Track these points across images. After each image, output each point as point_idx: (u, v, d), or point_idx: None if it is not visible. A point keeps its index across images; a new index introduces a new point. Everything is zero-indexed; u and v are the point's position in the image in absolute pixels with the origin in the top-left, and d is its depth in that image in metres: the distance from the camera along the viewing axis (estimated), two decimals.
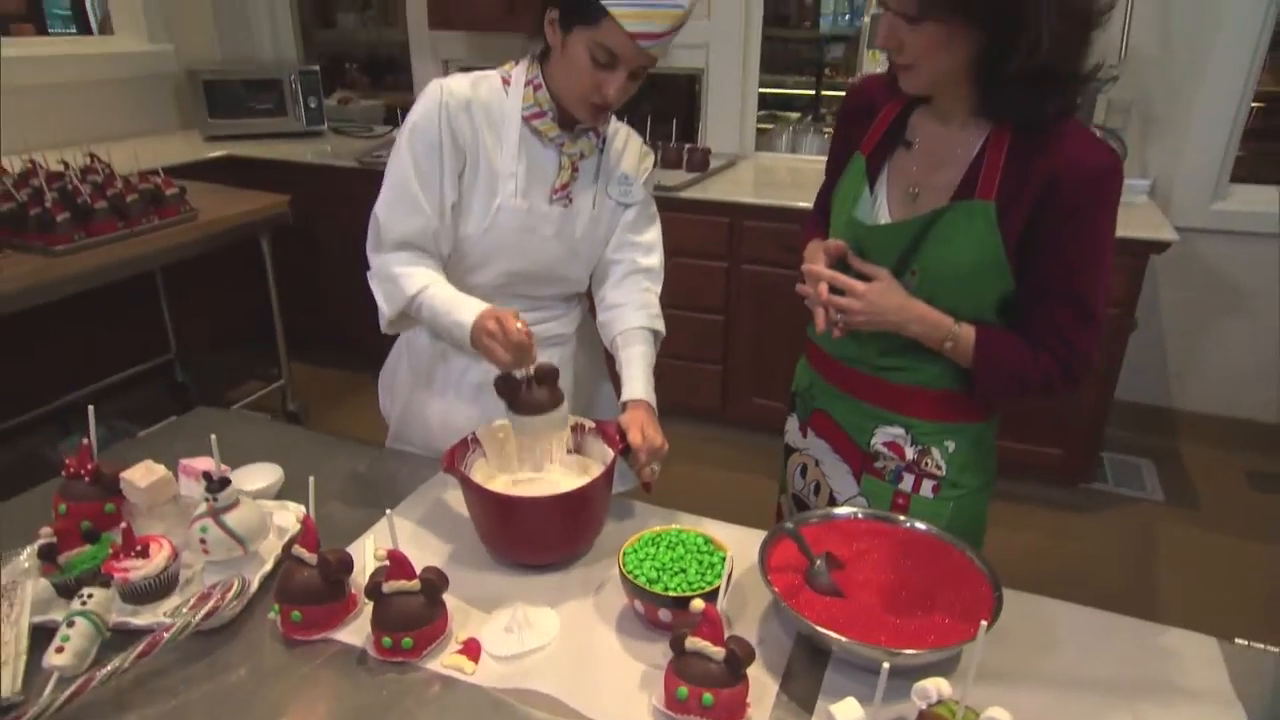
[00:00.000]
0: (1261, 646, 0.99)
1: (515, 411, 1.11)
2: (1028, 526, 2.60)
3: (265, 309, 2.92)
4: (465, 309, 1.17)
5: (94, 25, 3.91)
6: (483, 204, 1.27)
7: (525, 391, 1.10)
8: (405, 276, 1.24)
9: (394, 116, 3.88)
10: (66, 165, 2.43)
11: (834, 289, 1.10)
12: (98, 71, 3.39)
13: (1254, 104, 2.77)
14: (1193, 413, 3.05)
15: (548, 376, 1.11)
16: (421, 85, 3.65)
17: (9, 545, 1.07)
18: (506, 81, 1.28)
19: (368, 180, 3.16)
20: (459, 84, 1.25)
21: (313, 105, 3.61)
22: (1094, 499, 2.75)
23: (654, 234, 1.42)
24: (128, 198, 2.25)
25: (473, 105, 1.25)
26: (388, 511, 0.93)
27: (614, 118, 1.35)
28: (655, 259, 1.41)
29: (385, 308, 1.27)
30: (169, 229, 2.33)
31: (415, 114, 1.25)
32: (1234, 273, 2.84)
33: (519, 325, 1.09)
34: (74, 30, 3.93)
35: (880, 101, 1.17)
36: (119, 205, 2.23)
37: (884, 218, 1.15)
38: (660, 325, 1.37)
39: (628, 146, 1.38)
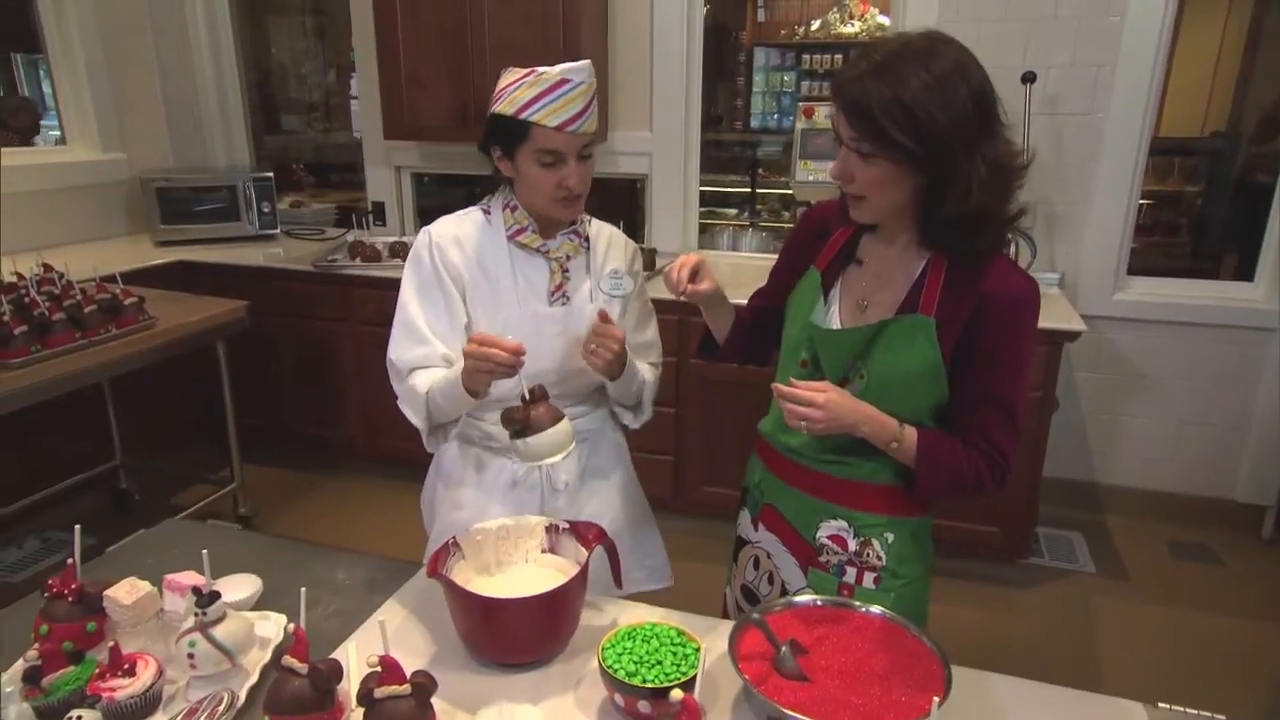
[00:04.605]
0: (1182, 709, 1.09)
1: (523, 436, 1.22)
2: (971, 603, 2.71)
3: (213, 412, 2.91)
4: (458, 368, 1.30)
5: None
6: (490, 318, 1.42)
7: (527, 415, 1.22)
8: (419, 383, 1.38)
9: (346, 219, 3.98)
10: (21, 277, 2.45)
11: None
12: (50, 181, 3.42)
13: (1143, 201, 3.09)
14: (1115, 486, 3.25)
15: (541, 396, 1.24)
16: (376, 190, 3.81)
17: None
18: (487, 212, 1.45)
19: (322, 283, 3.26)
20: (445, 225, 1.43)
21: (266, 210, 3.69)
22: (1031, 573, 2.88)
23: (653, 330, 1.60)
24: (86, 309, 2.27)
25: (460, 239, 1.41)
26: (381, 620, 0.98)
27: (594, 220, 1.52)
28: (656, 354, 1.60)
29: (416, 419, 1.40)
30: (127, 338, 2.35)
31: (410, 261, 1.43)
32: (1136, 357, 3.10)
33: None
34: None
35: (834, 225, 1.32)
36: (76, 316, 2.25)
37: (836, 325, 1.28)
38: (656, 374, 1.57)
39: (612, 244, 1.53)
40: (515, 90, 1.32)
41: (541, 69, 1.32)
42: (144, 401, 3.25)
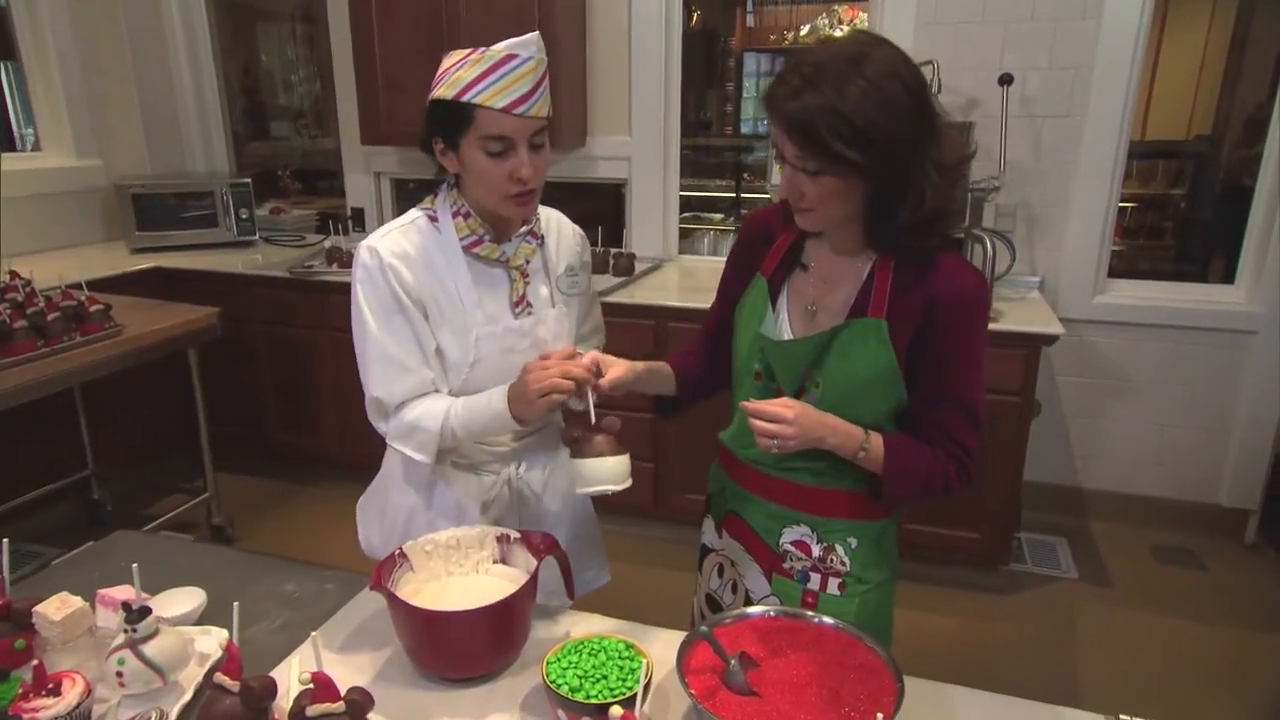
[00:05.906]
0: None
1: (578, 456, 1.17)
2: (951, 611, 2.68)
3: (188, 420, 2.88)
4: (494, 399, 1.25)
5: (17, 141, 3.93)
6: (459, 341, 1.32)
7: (590, 438, 1.17)
8: (424, 418, 1.29)
9: (326, 225, 3.94)
10: None
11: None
12: (23, 187, 3.38)
13: (1127, 204, 3.07)
14: (1098, 491, 3.22)
15: (611, 428, 1.18)
16: (356, 196, 3.78)
17: None
18: (434, 219, 1.33)
19: (299, 290, 3.22)
20: (391, 241, 1.30)
21: (244, 216, 3.66)
22: (1013, 580, 2.85)
23: (598, 313, 1.55)
24: (49, 316, 2.23)
25: (411, 256, 1.29)
26: (313, 634, 0.95)
27: (541, 207, 1.41)
28: (601, 336, 1.56)
29: (423, 456, 1.31)
30: (91, 346, 2.31)
31: (361, 287, 1.29)
32: (1118, 360, 3.08)
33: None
34: None
35: (777, 231, 1.29)
36: (39, 324, 2.21)
37: (786, 333, 1.25)
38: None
39: (561, 235, 1.44)
40: (457, 71, 1.20)
41: (486, 47, 1.20)
42: (118, 411, 3.20)
